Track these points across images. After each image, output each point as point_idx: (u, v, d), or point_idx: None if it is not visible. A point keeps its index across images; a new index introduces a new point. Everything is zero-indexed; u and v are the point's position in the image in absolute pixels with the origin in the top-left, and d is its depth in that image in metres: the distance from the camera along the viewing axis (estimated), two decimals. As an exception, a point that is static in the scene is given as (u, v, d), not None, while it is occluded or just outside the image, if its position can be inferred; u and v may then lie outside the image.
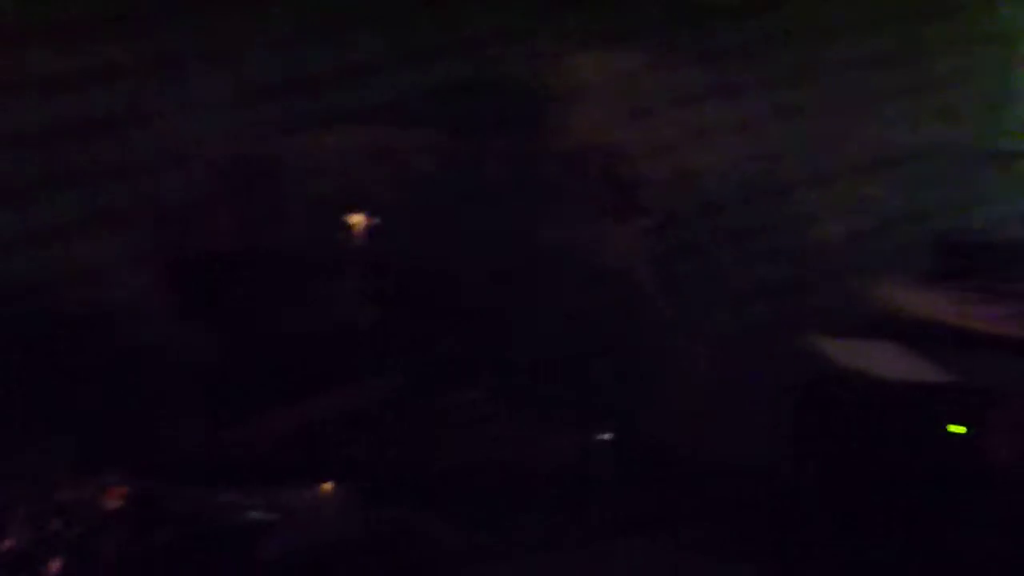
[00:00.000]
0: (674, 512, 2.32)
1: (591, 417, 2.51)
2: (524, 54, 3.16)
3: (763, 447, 2.62)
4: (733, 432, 2.93)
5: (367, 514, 2.19)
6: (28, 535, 1.77)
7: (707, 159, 3.36)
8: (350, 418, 2.06)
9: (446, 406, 2.31)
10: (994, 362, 2.47)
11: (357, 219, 1.96)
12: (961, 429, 2.28)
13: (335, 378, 2.16)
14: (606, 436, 2.49)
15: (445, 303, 2.95)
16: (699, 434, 2.41)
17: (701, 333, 2.49)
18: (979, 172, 3.46)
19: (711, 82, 3.32)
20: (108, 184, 2.73)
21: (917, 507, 2.31)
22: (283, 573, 1.94)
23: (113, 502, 1.81)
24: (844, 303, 3.13)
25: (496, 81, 3.13)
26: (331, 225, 2.48)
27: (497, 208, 3.11)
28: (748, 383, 2.82)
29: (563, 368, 3.03)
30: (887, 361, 2.54)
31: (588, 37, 3.22)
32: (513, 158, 3.18)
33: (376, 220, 2.05)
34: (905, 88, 3.46)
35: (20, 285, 2.69)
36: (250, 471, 2.18)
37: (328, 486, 2.08)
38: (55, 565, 1.76)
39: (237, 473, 2.13)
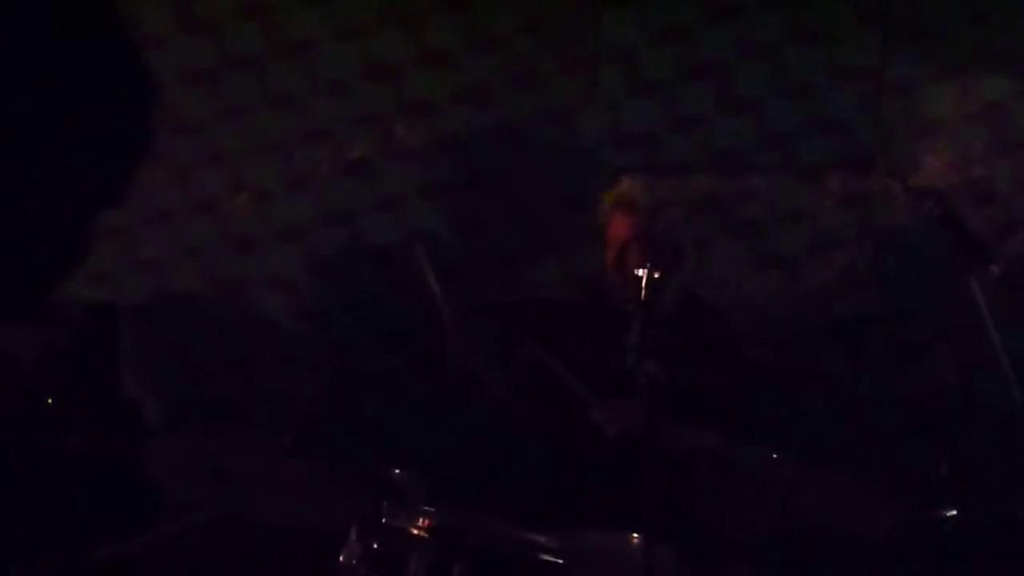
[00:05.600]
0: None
1: (931, 492, 2.25)
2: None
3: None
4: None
5: (674, 568, 2.14)
6: (356, 551, 1.98)
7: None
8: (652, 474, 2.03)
9: (764, 468, 2.20)
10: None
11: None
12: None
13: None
14: (950, 512, 2.21)
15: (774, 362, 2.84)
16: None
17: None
18: None
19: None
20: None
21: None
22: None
23: (420, 530, 1.96)
24: None
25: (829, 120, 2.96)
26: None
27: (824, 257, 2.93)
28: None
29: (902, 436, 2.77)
30: None
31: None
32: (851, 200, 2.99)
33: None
34: None
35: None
36: (555, 513, 2.24)
37: (629, 536, 2.07)
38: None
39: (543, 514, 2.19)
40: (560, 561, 2.06)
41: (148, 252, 3.08)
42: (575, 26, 2.99)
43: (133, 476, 2.27)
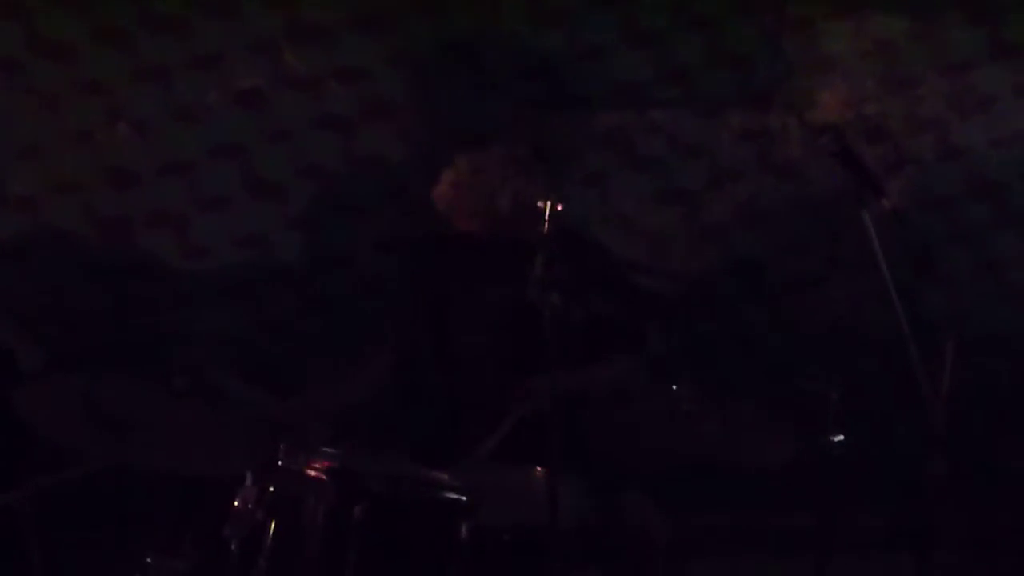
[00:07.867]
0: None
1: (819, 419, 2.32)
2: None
3: None
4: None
5: (577, 501, 2.16)
6: (252, 494, 1.92)
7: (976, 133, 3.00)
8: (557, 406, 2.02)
9: (661, 400, 2.23)
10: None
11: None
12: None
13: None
14: (838, 438, 2.28)
15: (674, 297, 2.87)
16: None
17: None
18: None
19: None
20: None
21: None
22: (476, 553, 1.95)
23: (318, 472, 1.91)
24: None
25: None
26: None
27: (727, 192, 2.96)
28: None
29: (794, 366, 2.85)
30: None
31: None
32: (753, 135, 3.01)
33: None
34: None
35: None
36: (453, 451, 2.22)
37: (532, 469, 2.07)
38: (269, 523, 1.90)
39: (441, 452, 2.18)
40: (464, 498, 2.04)
41: (18, 187, 2.88)
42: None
43: (10, 424, 2.13)
